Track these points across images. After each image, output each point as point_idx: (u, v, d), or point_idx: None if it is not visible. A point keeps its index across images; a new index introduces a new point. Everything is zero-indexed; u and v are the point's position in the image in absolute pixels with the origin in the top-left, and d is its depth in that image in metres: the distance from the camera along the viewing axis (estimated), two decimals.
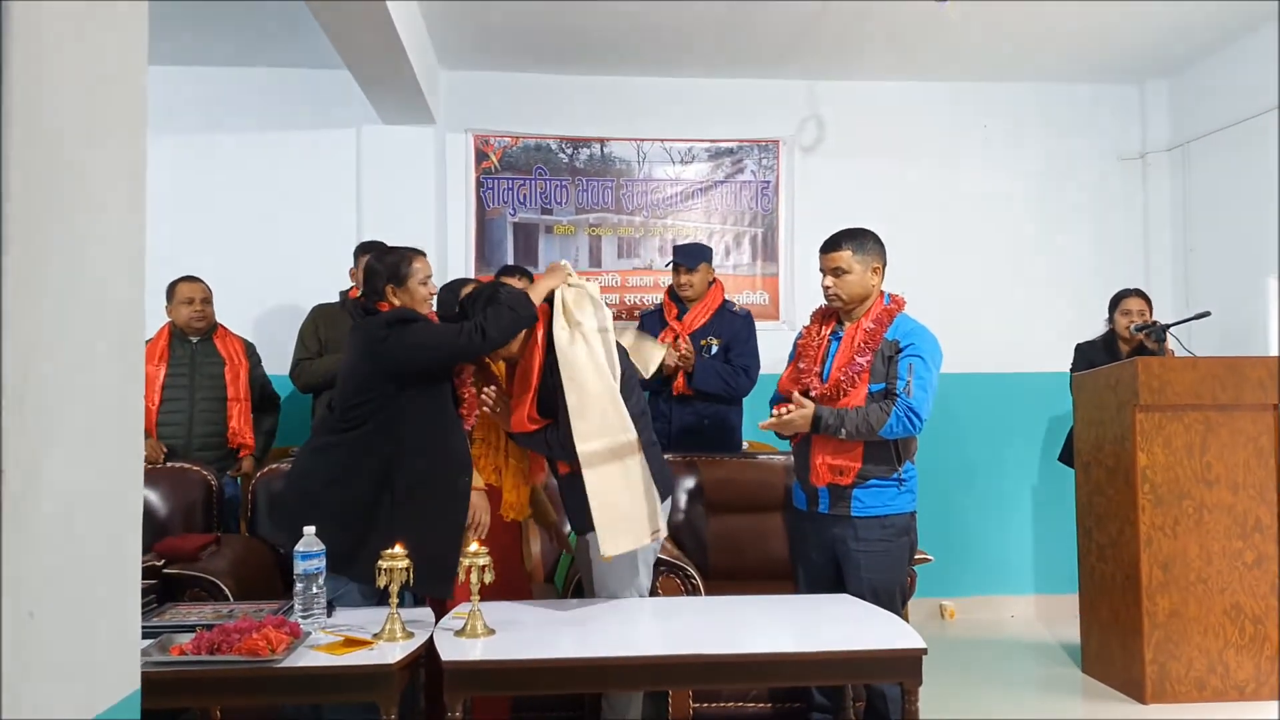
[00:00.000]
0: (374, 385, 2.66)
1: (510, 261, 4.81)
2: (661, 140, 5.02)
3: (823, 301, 2.96)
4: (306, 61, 4.66)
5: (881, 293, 2.86)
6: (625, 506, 2.57)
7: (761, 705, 3.12)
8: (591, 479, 2.53)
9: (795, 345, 3.04)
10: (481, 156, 4.96)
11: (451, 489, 2.71)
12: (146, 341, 3.73)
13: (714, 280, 4.01)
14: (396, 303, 2.73)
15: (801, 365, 2.89)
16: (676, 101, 5.01)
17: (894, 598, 2.82)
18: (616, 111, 4.99)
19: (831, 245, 2.85)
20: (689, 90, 5.01)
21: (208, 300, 3.89)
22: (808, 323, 3.03)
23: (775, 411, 2.85)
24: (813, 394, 2.81)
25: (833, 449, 2.80)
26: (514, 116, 4.97)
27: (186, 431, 3.76)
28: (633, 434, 2.60)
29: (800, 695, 3.03)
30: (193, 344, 3.85)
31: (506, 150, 4.97)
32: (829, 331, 2.89)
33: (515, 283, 3.58)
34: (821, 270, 2.87)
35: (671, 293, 4.00)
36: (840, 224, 4.85)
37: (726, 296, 4.03)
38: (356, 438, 2.66)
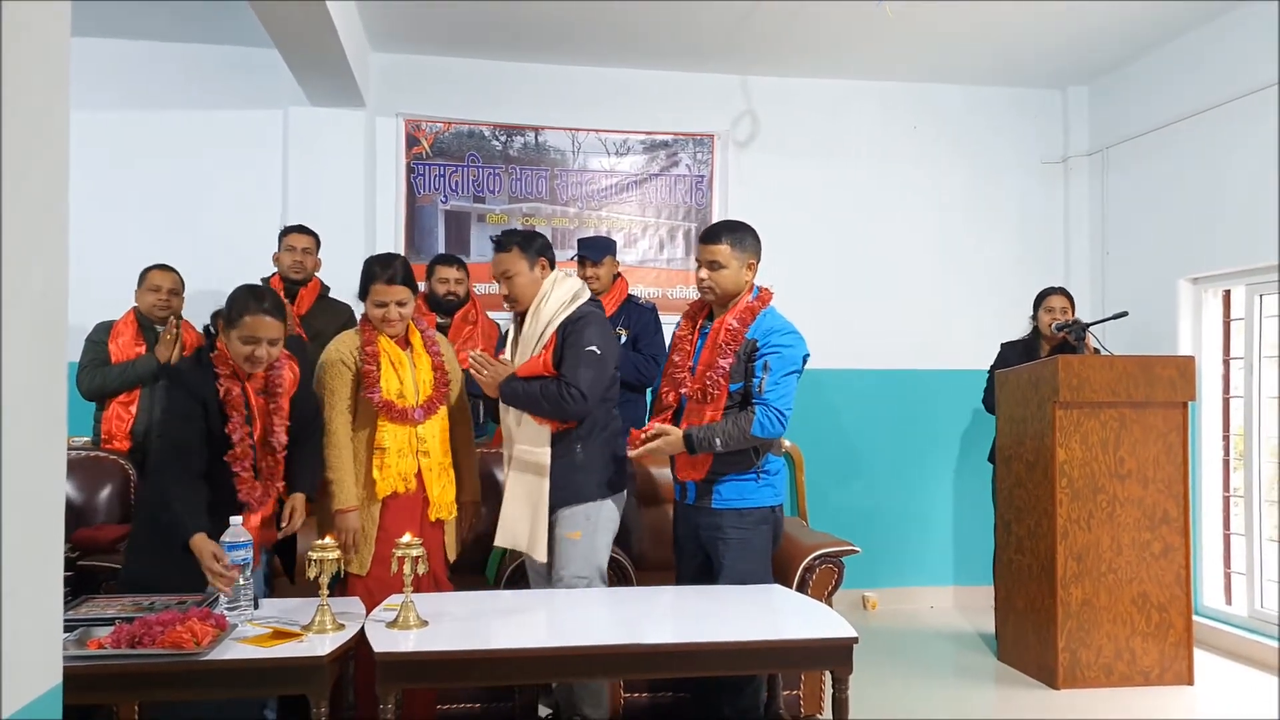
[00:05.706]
0: None
1: (441, 250, 4.74)
2: (597, 131, 5.00)
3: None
4: (232, 38, 4.50)
5: (751, 286, 2.89)
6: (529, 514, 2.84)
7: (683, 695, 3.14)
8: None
9: (673, 338, 3.06)
10: (412, 142, 4.87)
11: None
12: (113, 323, 3.74)
13: (618, 273, 4.05)
14: (221, 337, 2.58)
15: (676, 359, 2.93)
16: (612, 92, 5.00)
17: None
18: (551, 100, 4.95)
19: (710, 237, 2.84)
20: (625, 81, 5.01)
21: (175, 291, 3.85)
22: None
23: (639, 437, 2.82)
24: (683, 391, 2.85)
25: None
26: (446, 102, 4.88)
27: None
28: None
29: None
30: (158, 333, 3.78)
31: (438, 136, 4.88)
32: (698, 326, 2.93)
33: (449, 271, 3.75)
34: (698, 261, 2.88)
35: None
36: (773, 219, 5.02)
37: (631, 290, 4.07)
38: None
